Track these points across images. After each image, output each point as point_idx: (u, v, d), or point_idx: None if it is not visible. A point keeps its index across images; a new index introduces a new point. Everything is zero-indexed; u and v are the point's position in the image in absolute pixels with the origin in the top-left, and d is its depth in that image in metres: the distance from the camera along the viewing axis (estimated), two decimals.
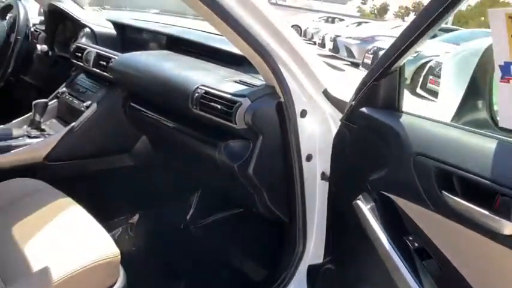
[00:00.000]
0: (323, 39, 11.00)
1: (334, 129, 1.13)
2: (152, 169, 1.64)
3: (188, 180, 1.66)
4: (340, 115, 1.10)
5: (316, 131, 1.14)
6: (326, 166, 1.15)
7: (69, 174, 1.49)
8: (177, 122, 1.35)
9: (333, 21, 17.33)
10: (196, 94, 1.15)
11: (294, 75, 1.08)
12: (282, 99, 1.09)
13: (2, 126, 1.61)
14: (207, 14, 0.92)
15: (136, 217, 1.65)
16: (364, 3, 35.10)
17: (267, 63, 1.04)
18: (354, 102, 0.99)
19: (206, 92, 1.14)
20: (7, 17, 1.78)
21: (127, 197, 1.61)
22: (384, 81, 0.89)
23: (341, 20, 17.68)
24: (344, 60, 9.68)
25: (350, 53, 9.57)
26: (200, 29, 1.65)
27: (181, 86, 1.20)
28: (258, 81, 1.20)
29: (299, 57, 1.07)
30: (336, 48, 10.01)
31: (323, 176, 1.16)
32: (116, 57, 1.46)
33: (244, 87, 1.15)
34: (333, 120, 1.14)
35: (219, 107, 1.10)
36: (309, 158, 1.13)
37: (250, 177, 1.11)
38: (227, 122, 1.10)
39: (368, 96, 0.93)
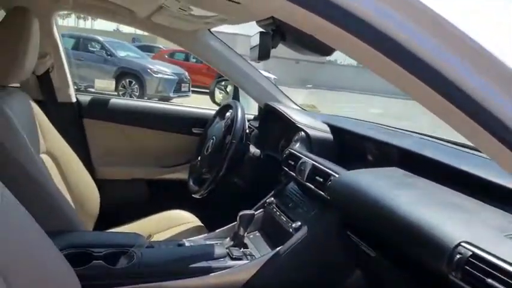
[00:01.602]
0: None
1: None
2: None
3: None
4: None
5: None
6: None
7: None
8: (412, 274, 0.99)
9: None
10: (458, 256, 0.77)
11: None
12: None
13: (205, 235, 1.52)
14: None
15: None
16: None
17: None
18: None
19: (474, 256, 0.75)
20: (225, 117, 1.77)
21: None
22: None
23: None
24: None
25: None
26: (444, 137, 1.29)
27: (429, 236, 0.83)
28: None
29: None
30: None
31: None
32: (337, 175, 1.20)
33: None
34: None
35: None
36: None
37: None
38: None
39: None
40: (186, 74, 10.18)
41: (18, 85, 1.80)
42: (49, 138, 1.58)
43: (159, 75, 9.46)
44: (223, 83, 2.26)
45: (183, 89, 9.90)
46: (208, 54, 1.92)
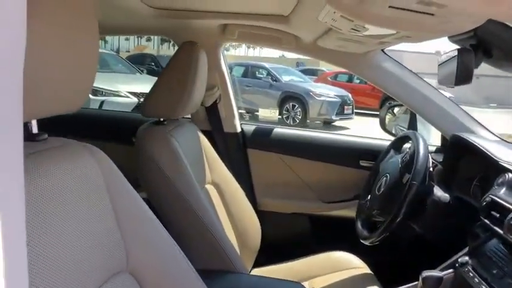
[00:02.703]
0: None
1: None
2: None
3: None
4: None
5: None
6: None
7: None
8: None
9: None
10: None
11: None
12: None
13: None
14: None
15: None
16: None
17: None
18: None
19: None
20: (402, 150, 1.51)
21: None
22: None
23: None
24: None
25: None
26: None
27: None
28: None
29: None
30: None
31: None
32: None
33: None
34: None
35: None
36: None
37: None
38: None
39: None
40: (350, 95, 9.96)
41: (189, 116, 1.87)
42: (215, 168, 1.57)
43: (322, 98, 9.47)
44: (396, 109, 1.99)
45: (346, 112, 9.69)
46: (379, 77, 1.69)
